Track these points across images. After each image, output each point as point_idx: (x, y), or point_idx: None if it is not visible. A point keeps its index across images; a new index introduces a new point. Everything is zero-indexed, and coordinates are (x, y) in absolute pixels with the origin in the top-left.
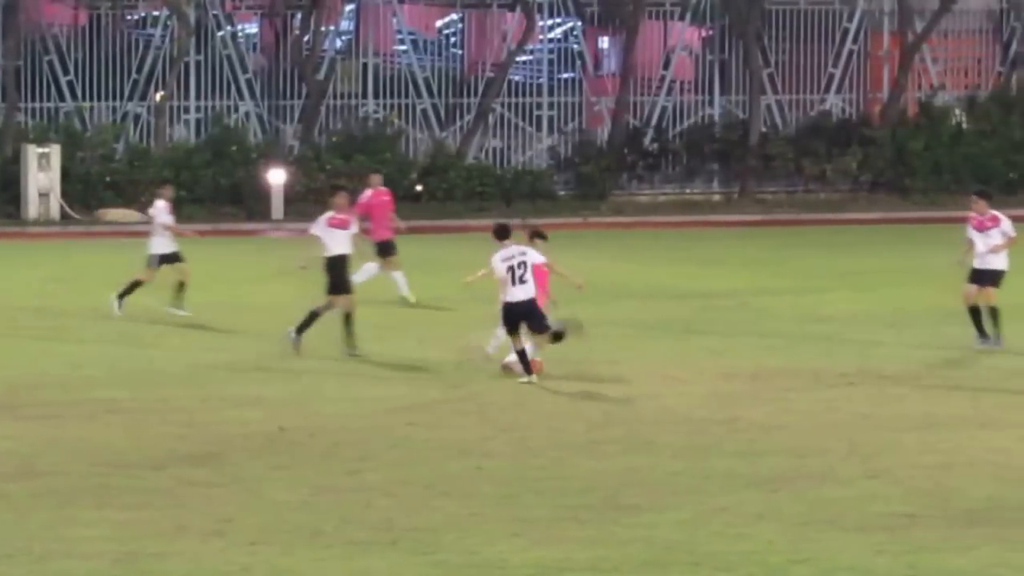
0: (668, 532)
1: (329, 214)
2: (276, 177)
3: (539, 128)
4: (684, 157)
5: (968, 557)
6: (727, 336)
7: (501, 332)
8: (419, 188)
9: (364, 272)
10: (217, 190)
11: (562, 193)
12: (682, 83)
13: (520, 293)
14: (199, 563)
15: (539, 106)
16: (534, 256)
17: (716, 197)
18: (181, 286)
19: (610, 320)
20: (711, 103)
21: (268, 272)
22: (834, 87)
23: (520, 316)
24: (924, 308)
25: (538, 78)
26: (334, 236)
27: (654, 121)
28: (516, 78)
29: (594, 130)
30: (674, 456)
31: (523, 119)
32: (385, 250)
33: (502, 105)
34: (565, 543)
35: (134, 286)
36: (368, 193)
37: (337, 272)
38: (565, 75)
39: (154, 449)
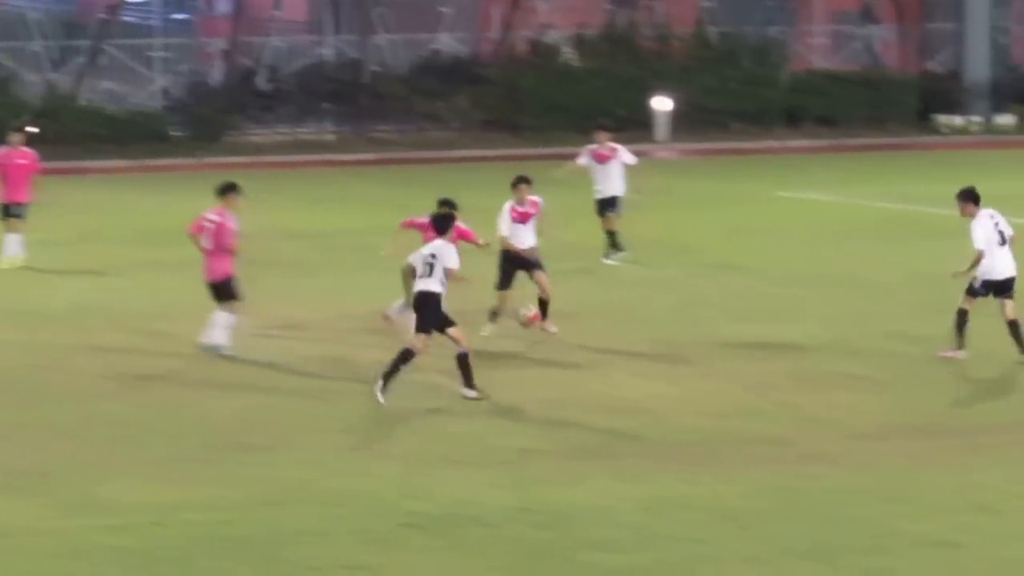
0: (286, 471)
1: None
2: None
3: (152, 70)
4: (298, 97)
5: (580, 489)
6: (344, 275)
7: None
8: (33, 130)
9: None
10: None
11: (176, 134)
12: (295, 23)
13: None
14: None
15: (152, 48)
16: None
17: (330, 136)
18: None
19: None
20: (324, 43)
21: None
22: (446, 26)
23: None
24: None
25: (150, 20)
26: None
27: (267, 61)
28: (129, 20)
29: (208, 71)
30: (294, 396)
31: (136, 61)
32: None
33: (115, 47)
34: (183, 483)
35: None
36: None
37: None
38: (178, 16)
39: None
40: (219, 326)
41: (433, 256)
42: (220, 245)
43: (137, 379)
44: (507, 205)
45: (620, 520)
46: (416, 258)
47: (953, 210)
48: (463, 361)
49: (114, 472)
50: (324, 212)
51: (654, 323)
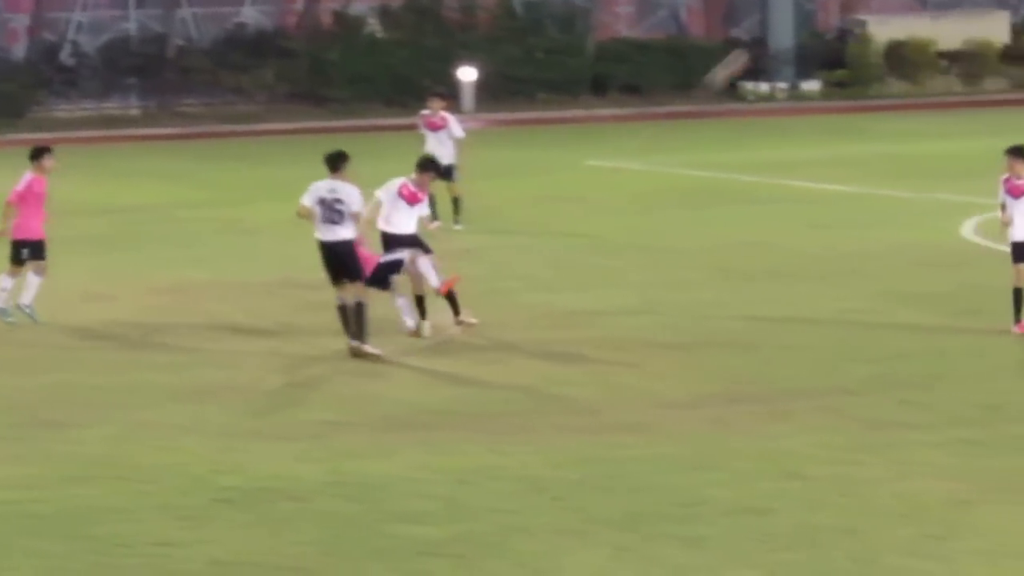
0: (93, 447)
1: None
2: None
3: None
4: (102, 72)
5: (391, 461)
6: (150, 250)
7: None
8: None
9: None
10: None
11: None
12: None
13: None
14: None
15: None
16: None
17: (135, 111)
18: None
19: None
20: (128, 17)
21: None
22: None
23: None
24: None
25: None
26: None
27: (71, 36)
28: None
29: (10, 47)
30: (99, 371)
31: None
32: None
33: None
34: None
35: None
36: None
37: None
38: None
39: None
40: (30, 287)
41: (339, 201)
42: (32, 205)
43: None
44: (400, 181)
45: (431, 492)
46: (312, 199)
47: (761, 176)
48: (359, 312)
49: None
50: (129, 187)
51: (461, 294)
